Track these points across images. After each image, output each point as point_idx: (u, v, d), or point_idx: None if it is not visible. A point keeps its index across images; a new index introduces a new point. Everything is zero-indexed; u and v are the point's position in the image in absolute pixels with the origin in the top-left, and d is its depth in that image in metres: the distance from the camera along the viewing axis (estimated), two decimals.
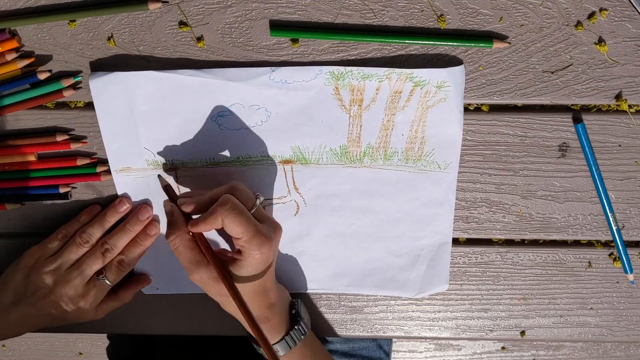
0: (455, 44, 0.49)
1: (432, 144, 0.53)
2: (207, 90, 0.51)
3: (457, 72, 0.50)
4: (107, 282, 0.55)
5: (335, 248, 0.57)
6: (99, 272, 0.55)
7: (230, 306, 0.51)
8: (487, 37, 0.49)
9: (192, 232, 0.49)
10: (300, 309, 0.56)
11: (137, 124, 0.53)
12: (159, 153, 0.54)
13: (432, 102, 0.51)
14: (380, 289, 0.58)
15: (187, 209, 0.50)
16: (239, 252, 0.49)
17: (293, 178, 0.55)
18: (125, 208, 0.56)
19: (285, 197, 0.56)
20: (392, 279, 0.58)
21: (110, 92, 0.51)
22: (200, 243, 0.50)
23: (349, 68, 0.50)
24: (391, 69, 0.50)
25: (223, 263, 0.49)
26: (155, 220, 0.57)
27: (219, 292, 0.50)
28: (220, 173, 0.55)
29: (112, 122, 0.53)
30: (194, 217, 0.50)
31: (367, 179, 0.55)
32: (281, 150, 0.54)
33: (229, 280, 0.48)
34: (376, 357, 0.76)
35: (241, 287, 0.48)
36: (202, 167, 0.54)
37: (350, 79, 0.50)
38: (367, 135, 0.53)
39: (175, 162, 0.54)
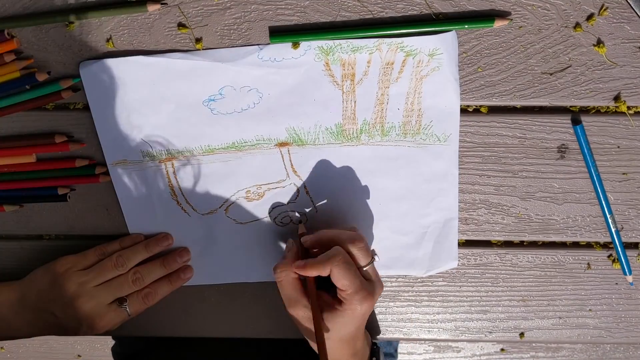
0: (455, 27, 0.48)
1: (430, 116, 0.52)
2: (197, 74, 0.51)
3: (449, 38, 0.49)
4: (127, 311, 0.55)
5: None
6: (122, 300, 0.55)
7: (314, 347, 0.52)
8: (488, 16, 0.48)
9: (297, 273, 0.51)
10: (380, 358, 0.57)
11: (130, 114, 0.52)
12: (153, 143, 0.54)
13: (425, 72, 0.50)
14: (389, 269, 0.58)
15: (306, 243, 0.52)
16: (340, 302, 0.50)
17: (290, 161, 0.54)
18: (167, 243, 0.57)
19: (284, 181, 0.55)
20: (399, 258, 0.58)
21: (101, 80, 0.51)
22: (309, 285, 0.51)
23: (337, 41, 0.49)
24: (381, 40, 0.49)
25: (321, 307, 0.50)
26: (191, 266, 0.58)
27: (307, 332, 0.51)
28: (217, 160, 0.54)
29: (105, 113, 0.52)
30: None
31: (366, 157, 0.54)
32: (276, 132, 0.53)
33: (319, 329, 0.48)
34: (387, 352, 0.76)
35: (331, 334, 0.49)
36: (198, 155, 0.54)
37: (340, 52, 0.50)
38: (362, 111, 0.52)
39: (171, 151, 0.54)
